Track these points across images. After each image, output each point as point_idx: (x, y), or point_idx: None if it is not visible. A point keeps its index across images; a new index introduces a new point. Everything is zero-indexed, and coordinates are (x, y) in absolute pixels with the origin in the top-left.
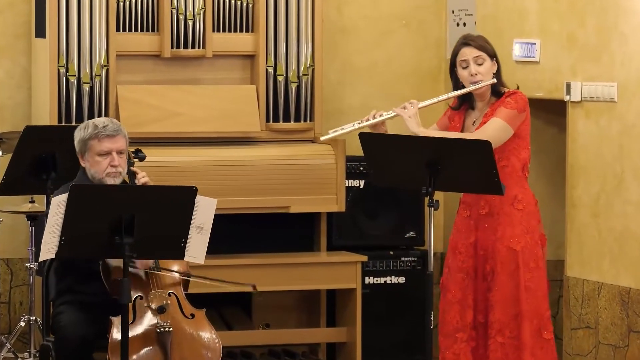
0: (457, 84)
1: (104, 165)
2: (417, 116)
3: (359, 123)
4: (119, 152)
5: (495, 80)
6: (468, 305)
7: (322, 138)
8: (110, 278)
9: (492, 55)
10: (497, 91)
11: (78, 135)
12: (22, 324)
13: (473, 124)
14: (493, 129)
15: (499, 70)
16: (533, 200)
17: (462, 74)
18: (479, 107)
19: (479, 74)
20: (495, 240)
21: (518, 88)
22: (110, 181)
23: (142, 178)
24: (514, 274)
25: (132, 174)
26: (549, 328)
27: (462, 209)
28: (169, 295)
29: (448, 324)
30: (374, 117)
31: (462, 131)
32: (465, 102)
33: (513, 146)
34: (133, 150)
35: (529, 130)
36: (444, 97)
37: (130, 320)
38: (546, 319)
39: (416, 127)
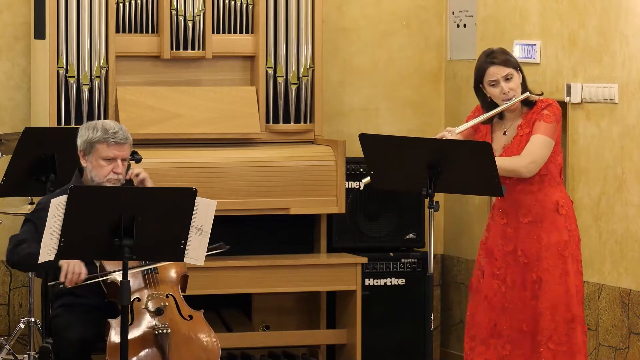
0: (485, 101)
1: (107, 171)
2: None
3: None
4: (123, 160)
5: (528, 94)
6: (505, 313)
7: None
8: (108, 281)
9: (517, 67)
10: (528, 101)
11: (85, 134)
12: (22, 325)
13: (504, 134)
14: (540, 147)
15: (524, 78)
16: (570, 202)
17: (493, 92)
18: (509, 117)
19: (511, 91)
20: (541, 248)
21: (542, 94)
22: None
23: (139, 174)
24: (564, 280)
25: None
26: (585, 330)
27: (499, 215)
28: (167, 296)
29: (479, 327)
30: None
31: (492, 140)
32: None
33: (550, 154)
34: None
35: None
36: (480, 119)
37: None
38: (584, 322)
39: None
